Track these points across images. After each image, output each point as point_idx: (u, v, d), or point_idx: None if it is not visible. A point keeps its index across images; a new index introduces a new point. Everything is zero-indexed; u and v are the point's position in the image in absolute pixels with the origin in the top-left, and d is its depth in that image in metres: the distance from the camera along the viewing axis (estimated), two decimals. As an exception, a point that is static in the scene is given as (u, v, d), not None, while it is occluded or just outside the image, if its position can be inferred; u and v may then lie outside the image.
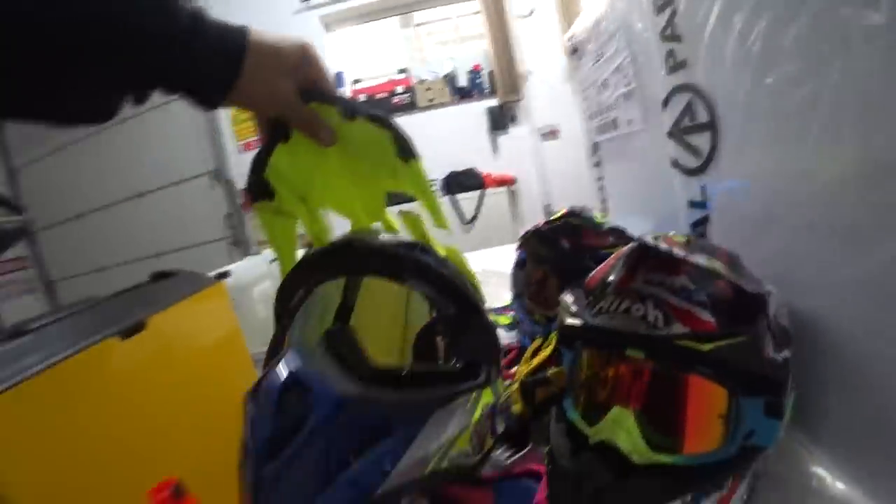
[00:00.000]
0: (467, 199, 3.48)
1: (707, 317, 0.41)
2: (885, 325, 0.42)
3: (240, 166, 3.46)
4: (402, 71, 3.41)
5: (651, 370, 0.43)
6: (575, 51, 1.10)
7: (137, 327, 1.11)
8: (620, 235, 0.43)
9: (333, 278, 0.48)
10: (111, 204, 3.65)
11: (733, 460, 0.40)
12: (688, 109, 0.67)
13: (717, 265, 0.41)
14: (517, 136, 3.51)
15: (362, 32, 3.62)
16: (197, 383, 1.17)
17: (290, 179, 0.46)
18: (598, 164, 1.18)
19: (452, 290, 0.47)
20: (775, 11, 0.47)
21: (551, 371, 0.56)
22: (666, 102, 0.72)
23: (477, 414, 0.45)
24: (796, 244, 0.51)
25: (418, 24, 3.64)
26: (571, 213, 0.69)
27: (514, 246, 0.90)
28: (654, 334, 0.41)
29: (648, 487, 0.39)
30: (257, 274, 2.20)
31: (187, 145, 3.43)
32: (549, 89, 3.35)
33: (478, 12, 3.33)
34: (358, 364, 0.41)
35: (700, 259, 0.42)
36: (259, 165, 0.43)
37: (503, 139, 3.52)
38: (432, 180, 3.49)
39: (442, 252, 0.50)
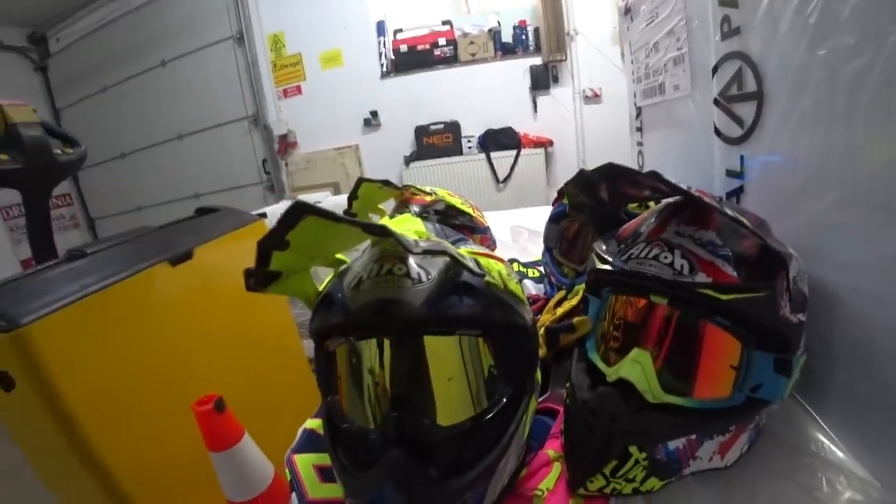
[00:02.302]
0: (503, 158, 3.46)
1: (730, 270, 0.44)
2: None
3: (278, 113, 3.52)
4: (445, 23, 3.31)
5: (672, 316, 0.46)
6: (628, 10, 1.07)
7: (186, 256, 1.21)
8: (658, 182, 0.44)
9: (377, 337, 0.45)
10: (151, 145, 3.76)
11: (739, 410, 0.45)
12: (737, 77, 0.67)
13: (745, 220, 0.44)
14: (558, 97, 3.42)
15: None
16: (237, 312, 1.27)
17: (294, 258, 0.42)
18: (639, 129, 1.18)
19: (497, 326, 0.45)
20: (836, -15, 0.47)
21: (577, 319, 0.59)
22: (715, 69, 0.72)
23: (527, 429, 0.48)
24: (831, 219, 0.52)
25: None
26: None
27: (547, 208, 0.92)
28: (678, 280, 0.44)
29: (657, 422, 0.44)
30: (293, 218, 2.31)
31: (227, 90, 3.46)
32: (594, 51, 3.23)
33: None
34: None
35: (729, 210, 0.44)
36: (263, 264, 0.40)
37: (544, 99, 3.43)
38: (469, 136, 3.49)
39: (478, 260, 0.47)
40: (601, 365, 0.50)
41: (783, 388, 0.44)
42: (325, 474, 0.52)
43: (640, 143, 1.20)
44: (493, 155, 3.46)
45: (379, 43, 3.38)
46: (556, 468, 0.49)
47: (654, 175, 0.43)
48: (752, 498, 0.44)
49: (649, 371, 0.46)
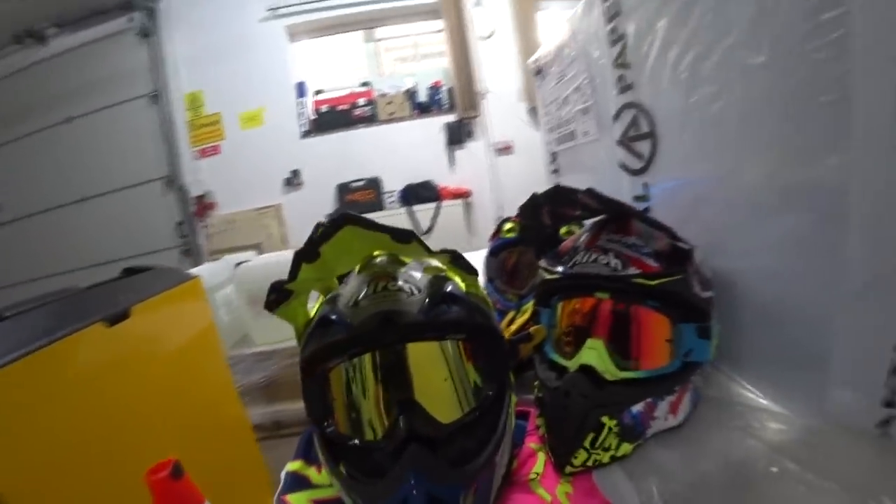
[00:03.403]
0: (424, 211, 3.61)
1: (652, 263, 0.56)
2: (781, 276, 0.59)
3: (195, 173, 3.41)
4: (364, 84, 3.51)
5: (614, 308, 0.57)
6: (539, 71, 1.27)
7: (122, 315, 1.14)
8: (593, 197, 0.56)
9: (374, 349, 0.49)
10: (53, 207, 3.42)
11: (679, 373, 0.55)
12: (633, 122, 0.85)
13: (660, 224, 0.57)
14: (473, 151, 3.70)
15: (326, 44, 3.69)
16: (177, 376, 1.21)
17: (316, 272, 0.48)
18: (556, 171, 1.35)
19: (481, 329, 0.51)
20: (697, 49, 0.65)
21: (532, 328, 0.68)
22: (616, 116, 0.89)
23: (513, 422, 0.52)
24: (719, 221, 0.68)
25: (380, 40, 3.76)
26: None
27: (472, 253, 1.02)
28: (615, 275, 0.55)
29: (619, 393, 0.53)
30: (221, 279, 2.21)
31: (139, 149, 3.31)
32: (503, 107, 3.59)
33: (440, 30, 3.52)
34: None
35: (649, 216, 0.57)
36: (291, 277, 0.45)
37: (460, 153, 3.69)
38: (390, 192, 3.62)
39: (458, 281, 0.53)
40: (562, 360, 0.59)
41: (708, 350, 0.56)
42: None
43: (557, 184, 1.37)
44: (414, 208, 3.59)
45: (299, 103, 3.46)
46: (541, 457, 0.55)
47: (590, 191, 0.54)
48: (704, 446, 0.54)
49: (604, 355, 0.55)
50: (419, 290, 0.48)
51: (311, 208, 3.54)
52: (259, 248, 3.47)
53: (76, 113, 3.30)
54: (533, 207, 0.65)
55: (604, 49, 0.87)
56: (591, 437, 0.51)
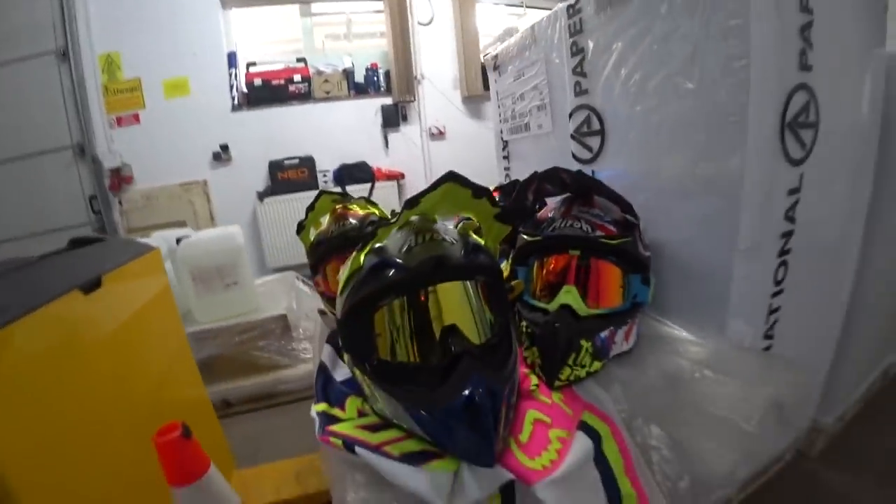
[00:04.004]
0: (357, 191, 3.65)
1: (611, 228, 0.76)
2: (695, 242, 0.82)
3: (109, 143, 3.12)
4: (300, 60, 3.43)
5: (585, 262, 0.75)
6: (496, 67, 1.43)
7: (96, 283, 1.13)
8: (580, 176, 0.76)
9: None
10: None
11: (629, 310, 0.75)
12: (586, 121, 1.04)
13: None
14: (407, 134, 3.80)
15: (260, 15, 3.53)
16: (143, 348, 1.22)
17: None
18: (506, 158, 1.53)
19: (497, 272, 0.63)
20: (644, 70, 0.85)
21: (513, 282, 0.84)
22: (571, 115, 1.08)
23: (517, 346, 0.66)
24: (651, 202, 0.89)
25: (315, 14, 3.68)
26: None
27: None
28: (587, 236, 0.74)
29: (591, 323, 0.72)
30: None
31: (45, 114, 2.93)
32: (438, 94, 3.73)
33: (379, 11, 3.54)
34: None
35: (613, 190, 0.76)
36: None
37: (394, 136, 3.77)
38: (325, 171, 3.61)
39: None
40: (543, 304, 0.76)
41: (648, 294, 0.77)
42: (370, 429, 0.61)
43: (507, 168, 1.55)
44: (348, 188, 3.61)
45: (230, 75, 3.31)
46: (533, 377, 0.71)
47: (580, 173, 0.72)
48: (648, 363, 0.74)
49: (577, 297, 0.73)
50: (455, 241, 0.61)
51: (240, 185, 3.43)
52: (182, 226, 3.29)
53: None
54: (526, 184, 0.81)
55: (564, 58, 1.05)
56: (572, 356, 0.69)
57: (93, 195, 3.12)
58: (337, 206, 1.12)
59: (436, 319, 0.60)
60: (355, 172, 3.65)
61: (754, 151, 0.74)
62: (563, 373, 0.69)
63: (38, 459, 0.74)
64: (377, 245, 0.61)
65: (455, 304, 0.60)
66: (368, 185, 3.62)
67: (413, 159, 3.85)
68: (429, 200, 0.56)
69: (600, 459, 0.57)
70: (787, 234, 0.85)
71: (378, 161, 3.73)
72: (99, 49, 3.06)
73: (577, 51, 1.01)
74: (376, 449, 0.56)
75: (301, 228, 1.08)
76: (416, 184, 3.86)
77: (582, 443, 0.57)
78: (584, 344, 0.69)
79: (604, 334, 0.71)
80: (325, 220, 1.09)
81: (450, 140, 3.86)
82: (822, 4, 0.78)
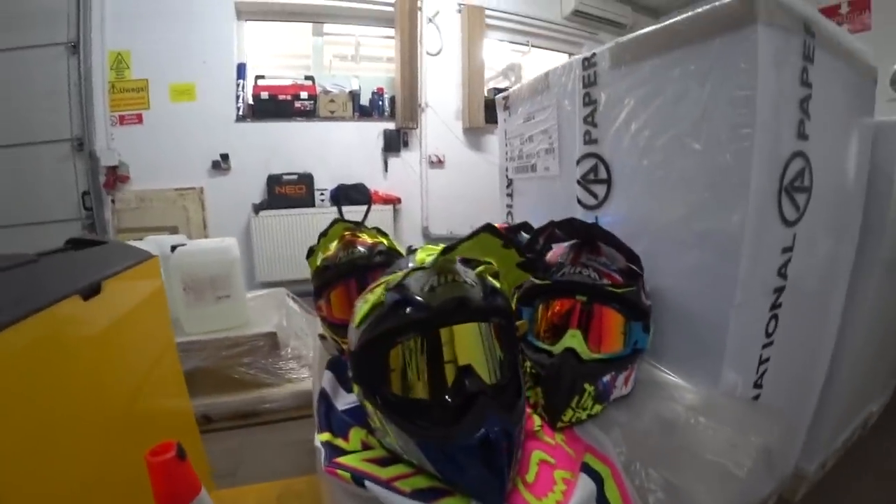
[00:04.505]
0: (353, 213, 3.65)
1: (617, 277, 0.79)
2: (692, 293, 0.85)
3: (109, 140, 3.12)
4: (308, 77, 3.50)
5: (590, 308, 0.78)
6: (507, 107, 1.48)
7: (95, 289, 1.12)
8: (585, 229, 0.80)
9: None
10: None
11: (630, 356, 0.78)
12: (593, 169, 1.09)
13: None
14: (407, 160, 3.87)
15: (272, 29, 3.62)
16: (138, 358, 1.19)
17: None
18: (509, 195, 1.57)
19: (511, 315, 0.65)
20: (653, 128, 0.90)
21: (518, 322, 0.86)
22: (578, 162, 1.13)
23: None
24: (651, 250, 0.92)
25: (326, 34, 3.77)
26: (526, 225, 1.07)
27: None
28: (594, 284, 0.77)
29: (594, 367, 0.74)
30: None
31: (47, 102, 2.93)
32: (440, 123, 3.82)
33: (390, 37, 3.65)
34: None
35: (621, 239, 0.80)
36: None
37: (394, 161, 3.84)
38: (322, 189, 3.63)
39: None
40: (547, 346, 0.79)
41: (647, 341, 0.80)
42: (378, 463, 0.61)
43: (509, 206, 1.59)
44: (344, 209, 3.62)
45: (238, 85, 3.35)
46: (536, 418, 0.72)
47: (596, 225, 0.75)
48: (645, 408, 0.77)
49: (581, 341, 0.76)
50: (474, 284, 0.63)
51: (236, 195, 3.44)
52: (174, 232, 3.27)
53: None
54: (541, 231, 0.85)
55: (576, 106, 1.11)
56: (576, 399, 0.71)
57: (86, 191, 3.09)
58: (346, 233, 1.13)
59: (451, 359, 0.60)
60: (352, 193, 3.64)
61: (754, 212, 0.79)
62: (565, 414, 0.71)
63: (27, 466, 0.68)
64: (399, 282, 0.62)
65: (471, 344, 0.61)
66: (364, 207, 3.62)
67: (411, 185, 3.91)
68: (464, 248, 0.58)
69: (602, 501, 0.59)
70: (779, 290, 0.90)
71: (376, 184, 3.78)
72: (110, 45, 3.09)
73: (590, 101, 1.06)
74: (387, 484, 0.56)
75: (311, 253, 1.09)
76: (413, 209, 3.91)
77: (585, 484, 0.59)
78: (588, 387, 0.72)
79: (606, 378, 0.74)
80: (333, 246, 1.09)
81: (448, 169, 3.94)
82: (820, 79, 0.85)
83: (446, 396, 0.58)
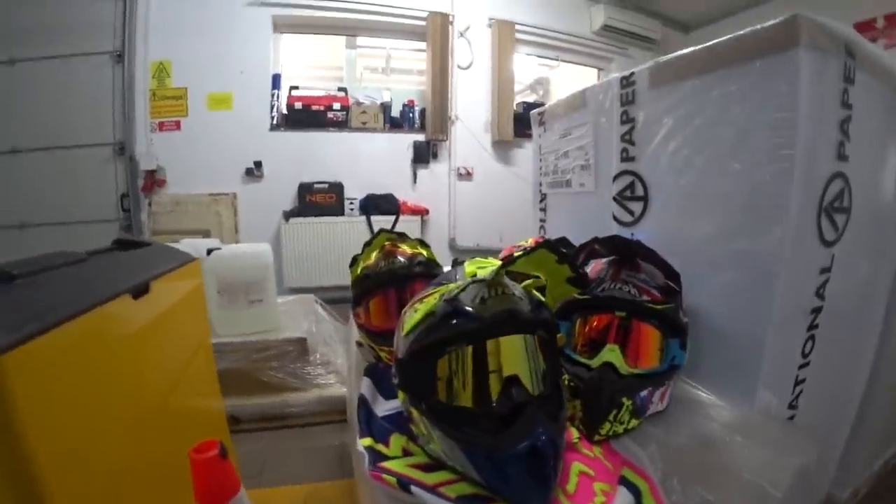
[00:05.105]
0: (382, 223, 3.72)
1: (657, 294, 0.80)
2: (728, 312, 0.86)
3: (148, 146, 3.25)
4: (341, 89, 3.60)
5: (628, 323, 0.79)
6: (542, 123, 1.51)
7: (144, 288, 1.17)
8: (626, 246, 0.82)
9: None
10: None
11: (666, 372, 0.79)
12: (630, 186, 1.10)
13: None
14: (436, 172, 3.91)
15: (307, 41, 3.74)
16: (180, 357, 1.24)
17: None
18: (543, 209, 1.59)
19: (555, 328, 0.67)
20: (690, 148, 0.91)
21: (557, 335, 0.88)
22: (615, 178, 1.14)
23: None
24: (687, 267, 0.93)
25: (359, 47, 3.88)
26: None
27: None
28: (634, 300, 0.79)
29: (632, 382, 0.75)
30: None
31: (92, 109, 3.09)
32: (470, 136, 3.87)
33: (421, 50, 3.73)
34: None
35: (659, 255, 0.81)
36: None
37: (423, 172, 3.89)
38: (352, 199, 3.71)
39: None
40: (585, 360, 0.80)
41: (684, 357, 0.80)
42: (422, 469, 0.62)
43: (542, 220, 1.61)
44: (373, 219, 3.70)
45: (272, 95, 3.47)
46: (574, 430, 0.73)
47: (638, 243, 0.77)
48: (681, 425, 0.77)
49: (619, 355, 0.77)
50: (522, 297, 0.64)
51: (268, 202, 3.53)
52: (207, 235, 3.38)
53: (22, 56, 3.00)
54: (583, 247, 0.87)
55: (613, 124, 1.13)
56: (614, 412, 0.72)
57: (125, 193, 3.23)
58: (386, 243, 1.16)
59: (496, 369, 0.61)
60: (382, 203, 3.73)
61: (793, 232, 0.79)
62: (603, 427, 0.72)
63: (75, 462, 0.70)
64: (449, 295, 0.63)
65: (518, 355, 0.62)
66: (392, 218, 3.70)
67: (439, 197, 3.95)
68: (521, 262, 0.60)
69: (641, 515, 0.60)
70: (817, 310, 0.89)
71: (405, 195, 3.83)
72: (152, 55, 3.23)
73: (628, 119, 1.08)
74: (432, 490, 0.58)
75: (354, 261, 1.13)
76: (440, 221, 3.95)
77: (624, 497, 0.60)
78: (626, 402, 0.73)
79: (643, 393, 0.74)
80: (374, 255, 1.11)
81: (476, 182, 3.97)
82: (860, 100, 0.85)
83: (493, 405, 0.59)
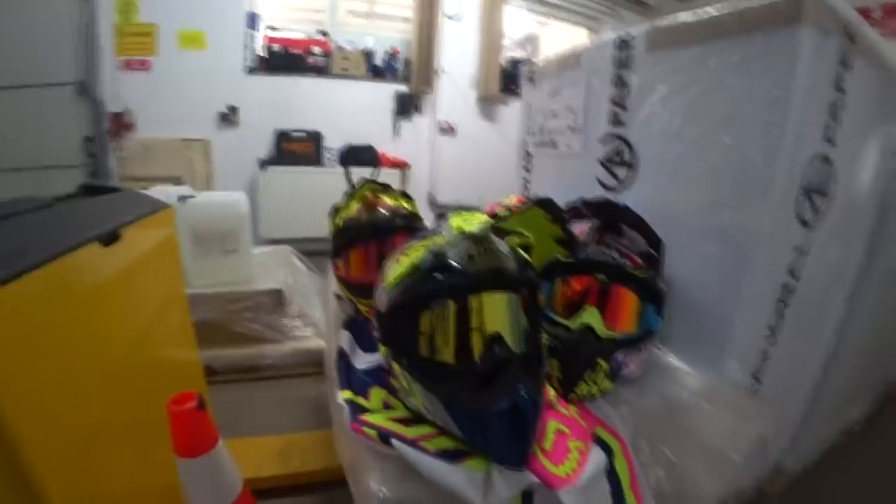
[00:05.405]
0: (360, 174, 3.62)
1: (638, 260, 0.82)
2: (702, 284, 0.88)
3: (114, 86, 3.03)
4: (322, 33, 3.40)
5: (608, 287, 0.81)
6: (532, 79, 1.47)
7: (114, 236, 1.12)
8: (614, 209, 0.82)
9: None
10: None
11: (642, 336, 0.81)
12: (617, 150, 1.09)
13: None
14: (418, 125, 3.81)
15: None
16: (152, 307, 1.21)
17: None
18: (527, 168, 1.57)
19: (537, 287, 0.67)
20: (683, 117, 0.90)
21: None
22: (603, 142, 1.13)
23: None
24: (668, 238, 0.94)
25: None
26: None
27: None
28: (616, 264, 0.80)
29: (609, 344, 0.77)
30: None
31: (50, 44, 2.81)
32: (455, 90, 3.75)
33: (410, -1, 3.53)
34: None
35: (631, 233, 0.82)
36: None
37: (405, 125, 3.78)
38: (330, 148, 3.59)
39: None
40: (563, 321, 0.81)
41: (660, 324, 0.82)
42: (402, 423, 0.63)
43: (526, 179, 1.60)
44: (352, 170, 3.58)
45: (248, 35, 3.25)
46: (551, 389, 0.75)
47: (627, 208, 0.77)
48: (652, 389, 0.81)
49: (598, 317, 0.79)
50: (508, 254, 0.63)
51: (243, 149, 3.39)
52: (178, 182, 3.24)
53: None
54: (569, 208, 0.86)
55: (605, 86, 1.10)
56: (590, 373, 0.74)
57: (90, 136, 3.02)
58: (367, 194, 1.13)
59: (479, 326, 0.61)
60: (361, 154, 3.58)
61: (775, 210, 0.81)
62: (579, 387, 0.74)
63: (44, 407, 0.68)
64: (436, 249, 0.62)
65: (502, 313, 0.62)
66: (371, 170, 3.59)
67: (420, 151, 3.87)
68: (514, 220, 0.59)
69: (611, 473, 0.63)
70: (786, 287, 0.92)
71: (385, 147, 3.71)
72: (117, -13, 2.95)
73: (621, 83, 1.05)
74: (413, 443, 0.59)
75: (335, 211, 1.10)
76: (421, 175, 3.88)
77: (598, 455, 0.63)
78: (602, 363, 0.75)
79: (619, 356, 0.77)
80: (356, 206, 1.09)
81: (459, 138, 3.90)
82: (854, 85, 0.85)
83: (476, 362, 0.60)
